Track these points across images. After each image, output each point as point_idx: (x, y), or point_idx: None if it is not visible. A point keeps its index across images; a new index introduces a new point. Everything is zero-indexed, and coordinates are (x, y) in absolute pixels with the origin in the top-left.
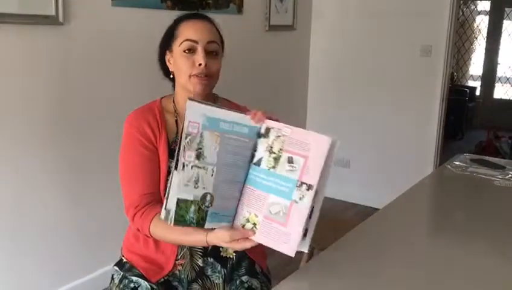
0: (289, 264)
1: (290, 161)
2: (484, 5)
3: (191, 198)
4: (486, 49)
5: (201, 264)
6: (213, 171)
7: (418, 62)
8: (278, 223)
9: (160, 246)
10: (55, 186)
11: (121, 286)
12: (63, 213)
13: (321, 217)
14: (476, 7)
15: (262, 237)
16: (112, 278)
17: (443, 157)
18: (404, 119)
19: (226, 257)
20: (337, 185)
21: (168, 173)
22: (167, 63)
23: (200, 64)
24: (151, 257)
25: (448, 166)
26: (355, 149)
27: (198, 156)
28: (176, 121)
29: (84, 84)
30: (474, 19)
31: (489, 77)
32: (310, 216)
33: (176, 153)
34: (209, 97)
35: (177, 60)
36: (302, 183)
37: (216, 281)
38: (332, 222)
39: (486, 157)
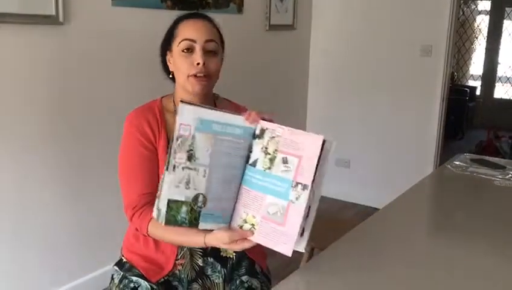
0: (289, 264)
1: (285, 161)
2: (484, 5)
3: (182, 199)
4: (486, 48)
5: (201, 264)
6: (205, 173)
7: (418, 62)
8: (276, 223)
9: (160, 246)
10: (56, 183)
11: (121, 285)
12: (63, 212)
13: (321, 217)
14: (476, 7)
15: (261, 238)
16: (112, 278)
17: (443, 157)
18: (405, 119)
19: (226, 256)
20: (337, 185)
21: None
22: (168, 63)
23: (198, 64)
24: (151, 257)
25: (449, 166)
26: (355, 149)
27: (190, 157)
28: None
29: (84, 83)
30: (475, 19)
31: (489, 76)
32: (306, 215)
33: (167, 154)
34: (209, 97)
35: (176, 59)
36: (297, 183)
37: (216, 281)
38: (332, 222)
39: (487, 157)
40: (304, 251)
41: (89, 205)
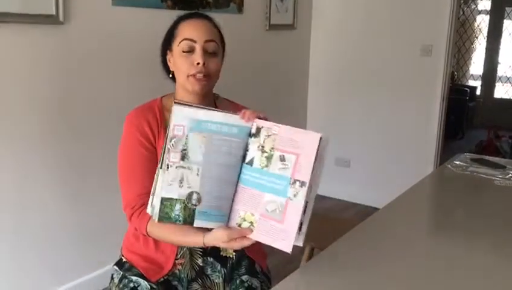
0: (289, 264)
1: (282, 159)
2: (485, 5)
3: (175, 196)
4: (486, 48)
5: (201, 264)
6: (199, 171)
7: (419, 62)
8: (275, 220)
9: (160, 245)
10: (56, 183)
11: (121, 285)
12: (63, 212)
13: (321, 217)
14: (476, 6)
15: (260, 235)
16: (112, 278)
17: (443, 156)
18: (405, 118)
19: (226, 256)
20: (337, 184)
21: None
22: (168, 63)
23: (198, 64)
24: (151, 257)
25: (449, 166)
26: (356, 149)
27: (183, 157)
28: None
29: (84, 82)
30: (475, 19)
31: (489, 76)
32: (304, 211)
33: (161, 155)
34: (209, 97)
35: (176, 59)
36: (295, 180)
37: (216, 281)
38: (332, 222)
39: (487, 157)
40: (302, 245)
41: (89, 205)
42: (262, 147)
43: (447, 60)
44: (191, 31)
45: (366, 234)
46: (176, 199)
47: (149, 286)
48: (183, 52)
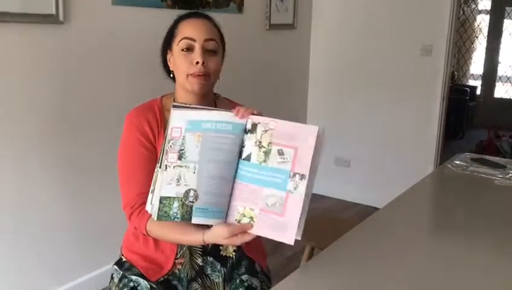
0: (289, 264)
1: (281, 153)
2: (485, 4)
3: (173, 195)
4: (486, 48)
5: (200, 263)
6: (195, 168)
7: (419, 61)
8: (276, 214)
9: (160, 245)
10: (56, 183)
11: (121, 285)
12: (63, 212)
13: (321, 217)
14: (476, 6)
15: (261, 229)
16: (112, 277)
17: (444, 156)
18: (405, 118)
19: (226, 256)
20: (337, 184)
21: None
22: (168, 63)
23: (197, 63)
24: (151, 256)
25: (449, 165)
26: (356, 149)
27: (180, 156)
28: None
29: (84, 82)
30: (475, 18)
31: (490, 76)
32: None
33: (160, 154)
34: (209, 96)
35: (176, 59)
36: (295, 173)
37: (216, 280)
38: (332, 222)
39: (487, 157)
40: (300, 238)
41: (88, 205)
42: (260, 142)
43: (447, 60)
44: (191, 30)
45: (366, 233)
46: (174, 197)
47: (149, 286)
48: (183, 50)
